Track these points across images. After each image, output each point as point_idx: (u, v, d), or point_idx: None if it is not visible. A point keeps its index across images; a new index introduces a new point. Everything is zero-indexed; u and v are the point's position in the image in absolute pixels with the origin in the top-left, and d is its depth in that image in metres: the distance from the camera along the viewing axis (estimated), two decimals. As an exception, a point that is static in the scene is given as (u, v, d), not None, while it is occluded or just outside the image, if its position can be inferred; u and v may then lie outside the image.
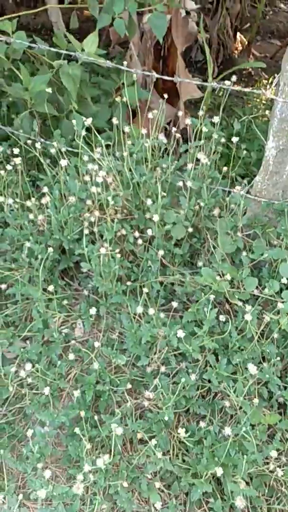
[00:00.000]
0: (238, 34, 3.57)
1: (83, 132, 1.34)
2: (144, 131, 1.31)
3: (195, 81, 1.62)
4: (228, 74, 2.11)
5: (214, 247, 1.40)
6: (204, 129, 1.29)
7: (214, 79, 2.37)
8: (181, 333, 1.12)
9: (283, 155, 1.23)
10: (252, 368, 1.07)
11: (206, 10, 3.38)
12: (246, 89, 1.35)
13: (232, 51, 3.44)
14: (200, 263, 1.40)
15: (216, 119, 1.26)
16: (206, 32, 3.39)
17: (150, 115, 1.30)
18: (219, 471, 0.98)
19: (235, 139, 1.27)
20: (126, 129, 1.29)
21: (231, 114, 2.57)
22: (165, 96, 2.24)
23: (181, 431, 1.11)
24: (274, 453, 1.01)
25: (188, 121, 1.29)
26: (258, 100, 2.79)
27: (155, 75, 1.58)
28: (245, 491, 1.01)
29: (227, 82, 1.31)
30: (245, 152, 1.54)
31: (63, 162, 1.30)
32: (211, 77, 2.16)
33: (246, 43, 3.53)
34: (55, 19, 2.57)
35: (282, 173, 1.27)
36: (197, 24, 2.19)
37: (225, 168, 1.35)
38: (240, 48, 3.57)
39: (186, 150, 1.43)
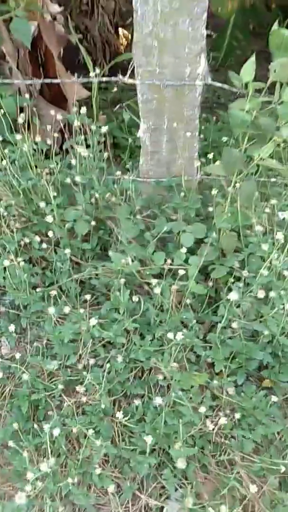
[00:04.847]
0: (121, 29, 3.65)
1: None
2: (19, 136, 1.31)
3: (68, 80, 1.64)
4: (116, 69, 2.17)
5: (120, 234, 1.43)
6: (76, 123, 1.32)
7: (103, 76, 2.41)
8: (93, 321, 1.15)
9: (156, 134, 1.29)
10: (170, 335, 1.12)
11: (83, 12, 3.44)
12: (105, 78, 1.40)
13: (117, 47, 3.52)
14: (110, 253, 1.43)
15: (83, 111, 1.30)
16: (88, 32, 3.45)
17: (20, 120, 1.30)
18: (149, 439, 1.02)
19: (104, 128, 1.31)
20: (-1, 138, 1.30)
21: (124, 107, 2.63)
22: (52, 100, 2.25)
23: (119, 414, 1.13)
24: (202, 409, 1.06)
25: (59, 116, 1.31)
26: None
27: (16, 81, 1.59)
28: (185, 451, 1.05)
29: (92, 74, 1.36)
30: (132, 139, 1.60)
31: None
32: (94, 74, 2.20)
33: (130, 37, 3.62)
34: None
35: (160, 151, 1.33)
36: (67, 26, 2.23)
37: (105, 156, 1.38)
38: (125, 43, 3.66)
39: (72, 147, 1.45)
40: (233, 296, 1.20)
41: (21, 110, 1.61)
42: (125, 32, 3.66)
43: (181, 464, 1.01)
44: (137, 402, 1.18)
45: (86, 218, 1.41)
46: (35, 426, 1.18)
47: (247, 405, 1.21)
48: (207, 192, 1.47)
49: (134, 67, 1.37)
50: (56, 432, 1.06)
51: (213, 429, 1.15)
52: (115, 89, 2.86)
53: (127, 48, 3.61)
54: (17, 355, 1.26)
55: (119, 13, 3.53)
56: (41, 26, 2.07)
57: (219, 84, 1.24)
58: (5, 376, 1.27)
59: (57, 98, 2.28)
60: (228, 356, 1.28)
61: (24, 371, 1.24)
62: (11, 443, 1.05)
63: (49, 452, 1.08)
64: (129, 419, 1.19)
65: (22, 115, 1.36)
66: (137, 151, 1.72)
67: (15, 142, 1.38)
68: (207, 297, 1.40)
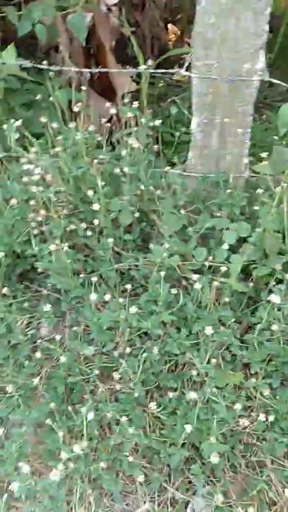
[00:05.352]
0: (170, 25, 3.64)
1: (16, 136, 1.37)
2: (72, 125, 1.34)
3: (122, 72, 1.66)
4: (163, 64, 2.18)
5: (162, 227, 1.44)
6: (129, 114, 1.34)
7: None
8: (133, 309, 1.16)
9: (208, 129, 1.29)
10: (208, 330, 1.12)
11: (134, 6, 3.45)
12: (160, 70, 1.41)
13: (166, 42, 3.51)
14: (151, 245, 1.44)
15: (135, 105, 1.31)
16: (138, 27, 3.46)
17: (75, 109, 1.33)
18: (188, 428, 1.02)
19: (156, 122, 1.32)
20: (54, 125, 1.32)
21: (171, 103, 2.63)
22: (101, 92, 2.28)
23: (152, 405, 1.14)
24: (237, 406, 1.05)
25: (113, 110, 1.33)
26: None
27: (73, 68, 1.61)
28: (219, 447, 1.05)
29: (143, 67, 1.37)
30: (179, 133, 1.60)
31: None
32: (145, 66, 2.21)
33: (179, 33, 3.61)
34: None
35: (210, 146, 1.32)
36: (120, 18, 2.24)
37: (154, 149, 1.39)
38: (174, 38, 3.65)
39: (119, 140, 1.47)
40: (275, 299, 1.18)
41: (70, 99, 1.64)
42: (174, 28, 3.65)
43: (214, 458, 1.01)
44: (170, 394, 1.18)
45: (130, 209, 1.42)
46: (69, 408, 1.21)
47: (282, 409, 1.19)
48: (253, 190, 1.45)
49: (187, 62, 1.37)
50: (90, 416, 1.08)
51: (245, 428, 1.14)
52: (161, 83, 2.85)
53: (175, 44, 3.60)
54: (57, 337, 1.29)
55: (170, 8, 3.52)
56: (96, 18, 2.10)
57: (277, 81, 1.21)
58: (43, 357, 1.31)
59: (106, 90, 2.31)
60: (264, 358, 1.26)
61: (61, 353, 1.27)
62: (47, 421, 1.08)
63: (84, 434, 1.10)
64: (161, 411, 1.20)
65: (78, 104, 1.38)
66: (182, 146, 1.71)
67: (65, 131, 1.40)
68: (247, 297, 1.39)
